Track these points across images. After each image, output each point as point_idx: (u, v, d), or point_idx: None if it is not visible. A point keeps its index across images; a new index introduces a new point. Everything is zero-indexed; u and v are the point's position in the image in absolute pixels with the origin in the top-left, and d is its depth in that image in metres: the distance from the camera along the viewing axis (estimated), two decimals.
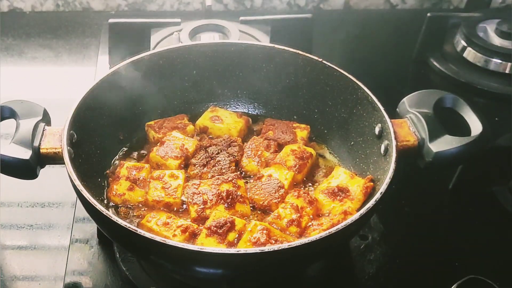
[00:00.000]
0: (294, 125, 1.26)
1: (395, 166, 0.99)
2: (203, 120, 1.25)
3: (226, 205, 1.06)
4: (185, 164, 1.17)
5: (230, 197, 1.06)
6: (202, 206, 1.06)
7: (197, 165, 1.15)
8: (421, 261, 1.15)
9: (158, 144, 1.18)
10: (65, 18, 1.81)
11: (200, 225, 1.03)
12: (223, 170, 1.14)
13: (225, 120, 1.25)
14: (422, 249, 1.18)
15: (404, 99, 1.13)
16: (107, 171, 1.15)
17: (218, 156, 1.16)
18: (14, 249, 1.17)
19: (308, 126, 1.26)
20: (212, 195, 1.07)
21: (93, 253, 1.13)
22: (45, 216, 1.22)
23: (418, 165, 1.07)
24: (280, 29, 1.57)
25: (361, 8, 1.90)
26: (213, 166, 1.15)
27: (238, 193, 1.07)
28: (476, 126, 1.07)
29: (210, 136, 1.24)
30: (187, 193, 1.09)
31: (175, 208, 1.09)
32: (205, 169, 1.15)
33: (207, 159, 1.16)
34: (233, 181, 1.09)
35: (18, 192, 1.25)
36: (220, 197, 1.06)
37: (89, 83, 1.12)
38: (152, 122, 1.24)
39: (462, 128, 1.09)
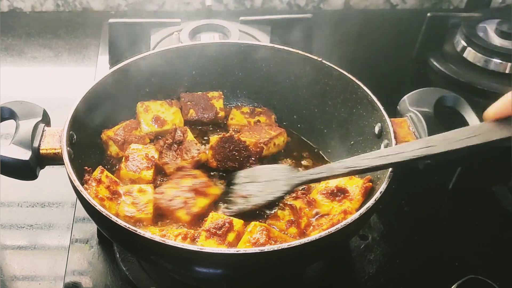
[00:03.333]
0: (209, 95, 1.28)
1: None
2: (149, 128, 1.23)
3: (203, 195, 1.08)
4: (159, 171, 1.15)
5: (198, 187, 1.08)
6: (187, 206, 1.05)
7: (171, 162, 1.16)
8: (421, 261, 1.15)
9: (123, 160, 1.14)
10: (65, 18, 1.82)
11: (198, 228, 1.03)
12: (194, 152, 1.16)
13: (164, 117, 1.24)
14: (422, 249, 1.18)
15: (405, 97, 1.14)
16: (88, 168, 1.09)
17: (182, 145, 1.18)
18: (14, 249, 1.17)
19: (221, 93, 1.29)
20: (186, 191, 1.08)
21: (93, 253, 1.13)
22: (45, 216, 1.22)
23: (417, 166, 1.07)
24: (280, 29, 1.57)
25: (361, 8, 1.90)
26: (185, 152, 1.17)
27: (201, 180, 1.11)
28: None
29: (159, 137, 1.23)
30: (162, 204, 1.07)
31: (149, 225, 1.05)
32: (179, 159, 1.16)
33: (176, 152, 1.17)
34: (190, 174, 1.12)
35: (18, 192, 1.25)
36: (193, 190, 1.08)
37: (89, 83, 1.12)
38: (111, 133, 1.18)
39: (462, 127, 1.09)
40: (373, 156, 0.99)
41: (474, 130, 0.92)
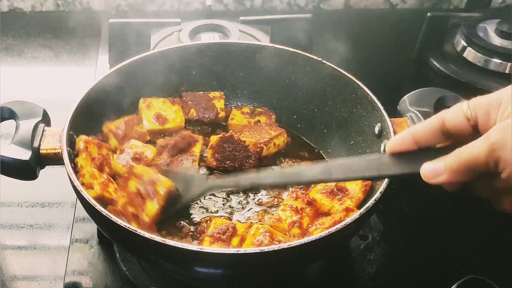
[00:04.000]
0: (211, 95, 1.28)
1: None
2: (150, 125, 1.23)
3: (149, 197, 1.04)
4: None
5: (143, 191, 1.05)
6: (138, 216, 1.02)
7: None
8: (421, 261, 1.15)
9: (118, 152, 1.14)
10: (65, 18, 1.81)
11: (202, 235, 1.04)
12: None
13: (166, 115, 1.23)
14: (422, 249, 1.18)
15: (405, 97, 1.14)
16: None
17: (180, 156, 1.16)
18: (14, 249, 1.17)
19: (222, 93, 1.29)
20: (133, 197, 1.04)
21: (93, 253, 1.13)
22: (45, 216, 1.22)
23: None
24: (280, 29, 1.57)
25: (361, 8, 1.90)
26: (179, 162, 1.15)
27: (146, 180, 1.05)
28: None
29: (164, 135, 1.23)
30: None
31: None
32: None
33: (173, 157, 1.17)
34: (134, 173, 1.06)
35: (18, 192, 1.25)
36: (138, 194, 1.04)
37: (89, 83, 1.12)
38: (112, 126, 1.18)
39: None
40: (275, 174, 1.06)
41: (371, 162, 0.93)
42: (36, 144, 1.02)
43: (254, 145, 1.18)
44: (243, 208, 1.12)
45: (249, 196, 1.14)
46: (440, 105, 1.12)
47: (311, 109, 1.26)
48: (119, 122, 1.19)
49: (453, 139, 0.86)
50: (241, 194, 1.14)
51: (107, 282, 1.09)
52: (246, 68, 1.28)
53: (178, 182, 1.07)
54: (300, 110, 1.28)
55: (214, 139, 1.18)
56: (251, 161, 1.17)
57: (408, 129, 0.90)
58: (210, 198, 1.13)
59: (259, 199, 1.14)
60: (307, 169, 0.99)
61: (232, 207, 1.12)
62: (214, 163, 1.18)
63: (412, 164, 0.88)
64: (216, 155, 1.17)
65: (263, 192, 1.15)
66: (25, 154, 1.00)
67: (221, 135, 1.18)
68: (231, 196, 1.14)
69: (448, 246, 1.18)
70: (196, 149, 1.19)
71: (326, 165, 1.02)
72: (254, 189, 1.14)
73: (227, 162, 1.17)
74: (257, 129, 1.23)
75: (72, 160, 1.01)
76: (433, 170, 0.83)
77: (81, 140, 1.05)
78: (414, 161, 0.87)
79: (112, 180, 1.08)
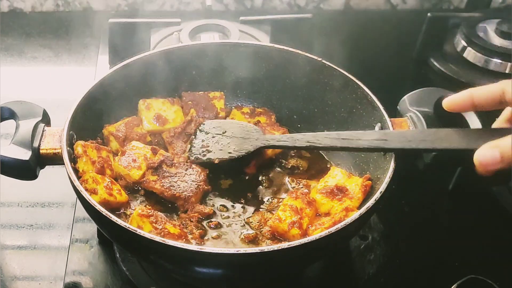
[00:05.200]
0: (210, 95, 1.28)
1: (394, 165, 0.99)
2: (150, 126, 1.22)
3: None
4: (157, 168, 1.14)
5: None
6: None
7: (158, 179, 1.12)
8: (421, 261, 1.15)
9: (120, 154, 1.14)
10: (65, 18, 1.81)
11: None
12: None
13: (166, 116, 1.23)
14: (422, 249, 1.18)
15: (405, 97, 1.14)
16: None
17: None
18: (14, 249, 1.17)
19: (222, 93, 1.29)
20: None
21: (93, 253, 1.13)
22: (45, 216, 1.22)
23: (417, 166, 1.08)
24: (280, 29, 1.57)
25: (362, 8, 1.90)
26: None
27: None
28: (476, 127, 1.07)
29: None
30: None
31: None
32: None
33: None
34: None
35: (18, 192, 1.25)
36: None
37: (89, 83, 1.12)
38: (113, 128, 1.18)
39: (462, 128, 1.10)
40: (333, 136, 1.04)
41: (427, 134, 0.95)
42: (36, 144, 1.02)
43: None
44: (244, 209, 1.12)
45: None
46: (440, 105, 1.11)
47: (311, 109, 1.26)
48: (119, 124, 1.19)
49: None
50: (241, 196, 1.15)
51: (107, 282, 1.09)
52: (246, 68, 1.28)
53: (233, 138, 1.12)
54: (300, 110, 1.28)
55: None
56: (251, 160, 1.17)
57: (469, 89, 0.89)
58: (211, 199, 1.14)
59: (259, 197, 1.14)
60: (365, 135, 1.01)
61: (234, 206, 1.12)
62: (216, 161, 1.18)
63: (467, 140, 0.89)
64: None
65: (263, 192, 1.15)
66: (25, 154, 1.00)
67: None
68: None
69: (448, 246, 1.18)
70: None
71: (383, 133, 1.02)
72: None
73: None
74: None
75: (72, 160, 1.01)
76: (491, 158, 0.82)
77: (79, 145, 1.06)
78: (469, 138, 0.89)
79: (115, 182, 1.08)
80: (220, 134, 1.16)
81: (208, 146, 1.15)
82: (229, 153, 1.13)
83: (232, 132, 1.16)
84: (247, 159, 1.13)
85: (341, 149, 1.04)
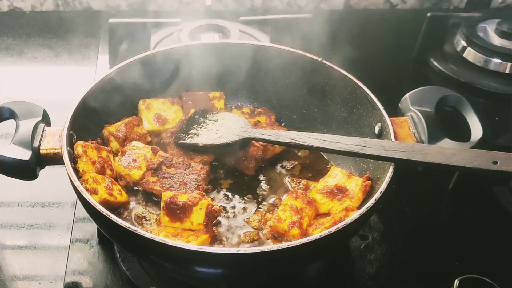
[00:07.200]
0: (210, 95, 1.28)
1: (394, 165, 0.99)
2: (150, 126, 1.22)
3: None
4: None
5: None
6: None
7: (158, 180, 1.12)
8: (421, 261, 1.15)
9: (120, 154, 1.14)
10: (65, 18, 1.81)
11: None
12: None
13: (166, 116, 1.24)
14: (422, 249, 1.18)
15: (407, 95, 1.14)
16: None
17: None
18: (14, 249, 1.17)
19: (222, 93, 1.29)
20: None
21: (93, 253, 1.13)
22: (45, 216, 1.22)
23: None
24: (280, 29, 1.57)
25: (361, 8, 1.90)
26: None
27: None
28: (476, 130, 1.07)
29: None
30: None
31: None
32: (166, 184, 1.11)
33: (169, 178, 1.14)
34: None
35: (18, 192, 1.25)
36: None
37: (89, 83, 1.12)
38: (113, 129, 1.18)
39: (462, 129, 1.10)
40: (315, 137, 1.07)
41: (404, 146, 1.00)
42: (36, 144, 1.02)
43: (256, 147, 1.18)
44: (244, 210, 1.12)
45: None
46: (442, 104, 1.11)
47: (311, 109, 1.26)
48: (119, 124, 1.19)
49: None
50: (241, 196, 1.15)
51: (107, 282, 1.09)
52: (246, 68, 1.28)
53: (222, 126, 1.16)
54: (300, 110, 1.28)
55: None
56: (251, 160, 1.17)
57: None
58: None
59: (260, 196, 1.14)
60: (345, 139, 1.05)
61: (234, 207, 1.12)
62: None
63: (441, 156, 0.97)
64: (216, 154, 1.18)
65: (263, 192, 1.15)
66: (25, 154, 1.00)
67: None
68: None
69: (448, 246, 1.18)
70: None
71: (362, 140, 1.05)
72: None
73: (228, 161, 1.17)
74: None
75: (72, 160, 1.01)
76: None
77: (79, 145, 1.06)
78: (443, 154, 0.97)
79: (116, 182, 1.08)
80: (212, 121, 1.20)
81: (197, 131, 1.18)
82: (215, 139, 1.16)
83: (223, 122, 1.19)
84: (232, 148, 1.15)
85: (319, 149, 1.09)
